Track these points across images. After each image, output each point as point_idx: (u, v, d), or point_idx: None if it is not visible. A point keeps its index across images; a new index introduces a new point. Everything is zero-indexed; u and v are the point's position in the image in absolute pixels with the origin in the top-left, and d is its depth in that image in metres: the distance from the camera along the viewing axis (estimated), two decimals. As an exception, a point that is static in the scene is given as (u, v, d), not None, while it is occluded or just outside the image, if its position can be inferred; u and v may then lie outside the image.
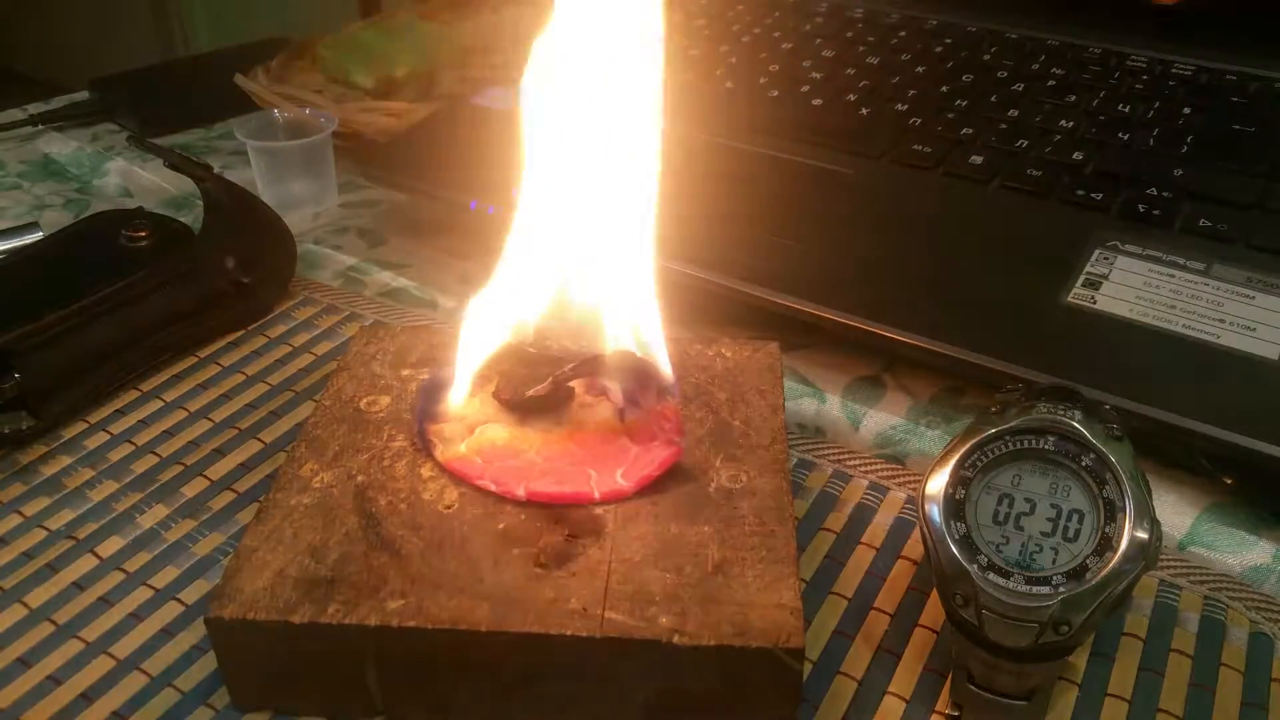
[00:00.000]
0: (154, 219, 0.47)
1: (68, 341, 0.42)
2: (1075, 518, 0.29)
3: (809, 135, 0.52)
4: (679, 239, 0.45)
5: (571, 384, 0.36)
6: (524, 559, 0.31)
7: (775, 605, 0.29)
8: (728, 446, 0.35)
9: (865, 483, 0.39)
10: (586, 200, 0.35)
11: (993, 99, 0.54)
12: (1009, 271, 0.44)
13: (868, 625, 0.34)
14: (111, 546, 0.37)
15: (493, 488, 0.33)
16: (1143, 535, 0.28)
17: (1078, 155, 0.49)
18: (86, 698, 0.32)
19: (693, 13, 0.66)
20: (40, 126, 0.68)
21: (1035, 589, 0.28)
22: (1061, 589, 0.28)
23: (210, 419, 0.43)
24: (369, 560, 0.31)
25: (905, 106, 0.54)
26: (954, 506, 0.30)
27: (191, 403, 0.43)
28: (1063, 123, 0.52)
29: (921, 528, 0.30)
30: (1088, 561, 0.28)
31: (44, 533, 0.37)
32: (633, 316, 0.35)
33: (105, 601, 0.35)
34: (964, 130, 0.51)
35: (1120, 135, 0.50)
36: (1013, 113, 0.53)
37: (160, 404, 0.43)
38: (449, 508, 0.33)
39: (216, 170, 0.50)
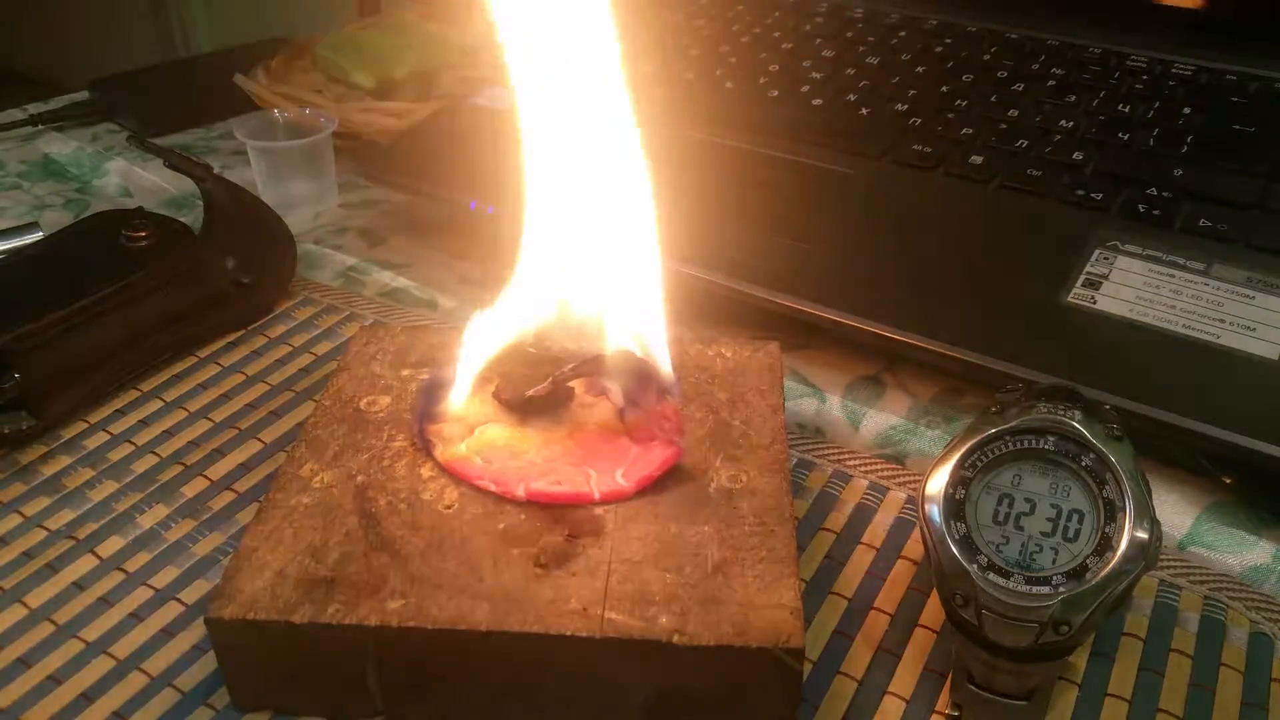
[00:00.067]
0: (154, 219, 0.47)
1: (68, 341, 0.42)
2: (1075, 518, 0.29)
3: (809, 135, 0.52)
4: (679, 239, 0.45)
5: (571, 384, 0.36)
6: (524, 559, 0.31)
7: (775, 605, 0.29)
8: (728, 446, 0.35)
9: (865, 483, 0.39)
10: (586, 200, 0.35)
11: (993, 99, 0.54)
12: (1009, 271, 0.44)
13: (868, 625, 0.34)
14: (111, 546, 0.37)
15: (493, 488, 0.33)
16: (1143, 535, 0.28)
17: (1078, 155, 0.49)
18: (86, 698, 0.32)
19: (693, 13, 0.66)
20: (40, 126, 0.68)
21: (1035, 589, 0.28)
22: (1061, 589, 0.28)
23: (210, 419, 0.43)
24: (369, 560, 0.31)
25: (905, 106, 0.54)
26: (954, 506, 0.30)
27: (191, 403, 0.43)
28: (1063, 123, 0.52)
29: (921, 528, 0.30)
30: (1088, 561, 0.28)
31: (44, 533, 0.37)
32: (635, 316, 0.35)
33: (105, 601, 0.35)
34: (964, 130, 0.51)
35: (1120, 135, 0.50)
36: (1013, 113, 0.53)
37: (160, 404, 0.43)
38: (449, 508, 0.33)
39: (216, 170, 0.50)
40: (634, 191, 0.34)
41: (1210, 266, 0.42)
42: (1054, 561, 0.29)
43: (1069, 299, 0.41)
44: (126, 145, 0.65)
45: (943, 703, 0.31)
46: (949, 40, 0.60)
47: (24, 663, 0.33)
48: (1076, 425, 0.29)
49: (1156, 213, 0.45)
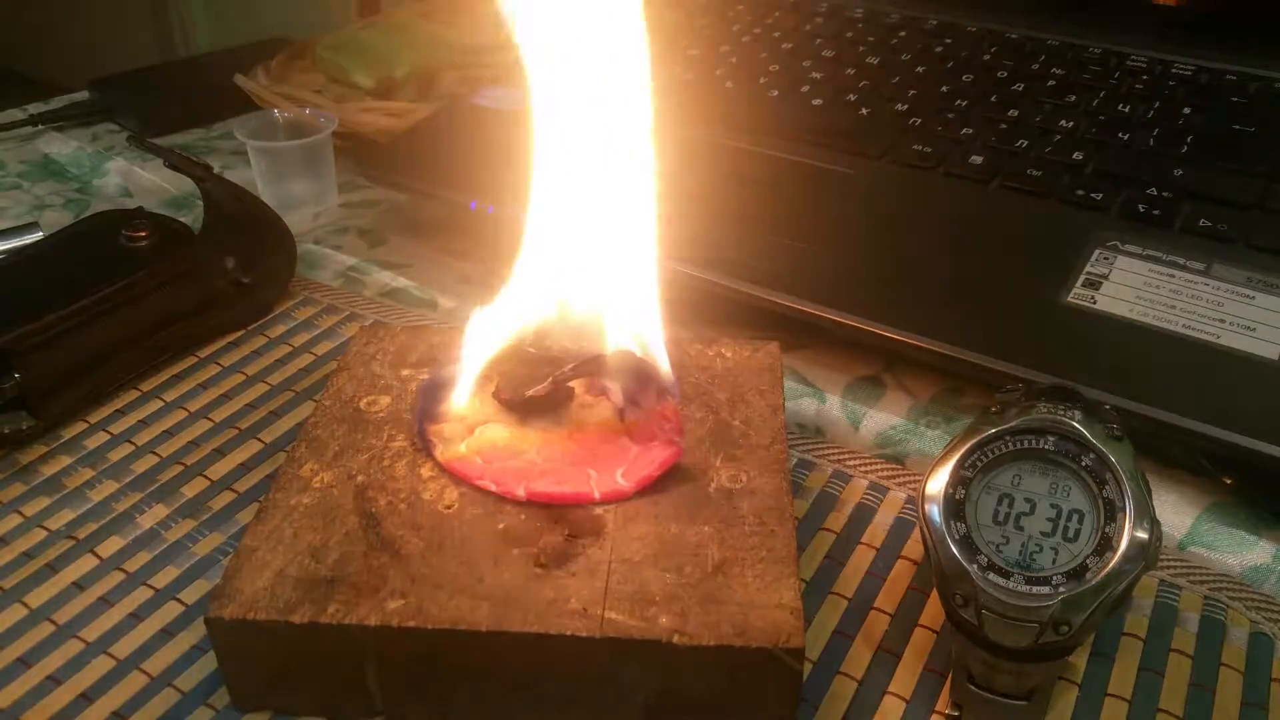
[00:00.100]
0: (154, 219, 0.47)
1: (68, 341, 0.41)
2: (1075, 518, 0.29)
3: (809, 135, 0.52)
4: (679, 239, 0.45)
5: (571, 384, 0.36)
6: (524, 559, 0.31)
7: (775, 605, 0.29)
8: (728, 446, 0.35)
9: (865, 483, 0.39)
10: (586, 200, 0.35)
11: (993, 99, 0.54)
12: (1009, 271, 0.44)
13: (868, 625, 0.34)
14: (111, 546, 0.37)
15: (493, 488, 0.33)
16: (1143, 535, 0.28)
17: (1078, 155, 0.49)
18: (86, 698, 0.32)
19: (693, 13, 0.66)
20: (40, 126, 0.68)
21: (1035, 589, 0.28)
22: (1061, 589, 0.28)
23: (210, 419, 0.43)
24: (369, 560, 0.31)
25: (905, 106, 0.54)
26: (954, 506, 0.30)
27: (191, 403, 0.43)
28: (1063, 123, 0.52)
29: (921, 528, 0.30)
30: (1088, 561, 0.28)
31: (44, 533, 0.37)
32: (634, 316, 0.35)
33: (105, 601, 0.35)
34: (964, 130, 0.51)
35: (1120, 135, 0.50)
36: (1013, 113, 0.53)
37: (160, 404, 0.43)
38: (449, 508, 0.33)
39: (216, 170, 0.50)
40: (633, 191, 0.34)
41: (1210, 266, 0.42)
42: (1054, 561, 0.29)
43: (1069, 299, 0.41)
44: (126, 145, 0.65)
45: (943, 703, 0.31)
46: (949, 40, 0.60)
47: (24, 663, 0.33)
48: (1076, 425, 0.29)
49: (1156, 213, 0.45)
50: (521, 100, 0.34)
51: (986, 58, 0.58)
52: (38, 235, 0.51)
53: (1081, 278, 0.42)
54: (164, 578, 0.35)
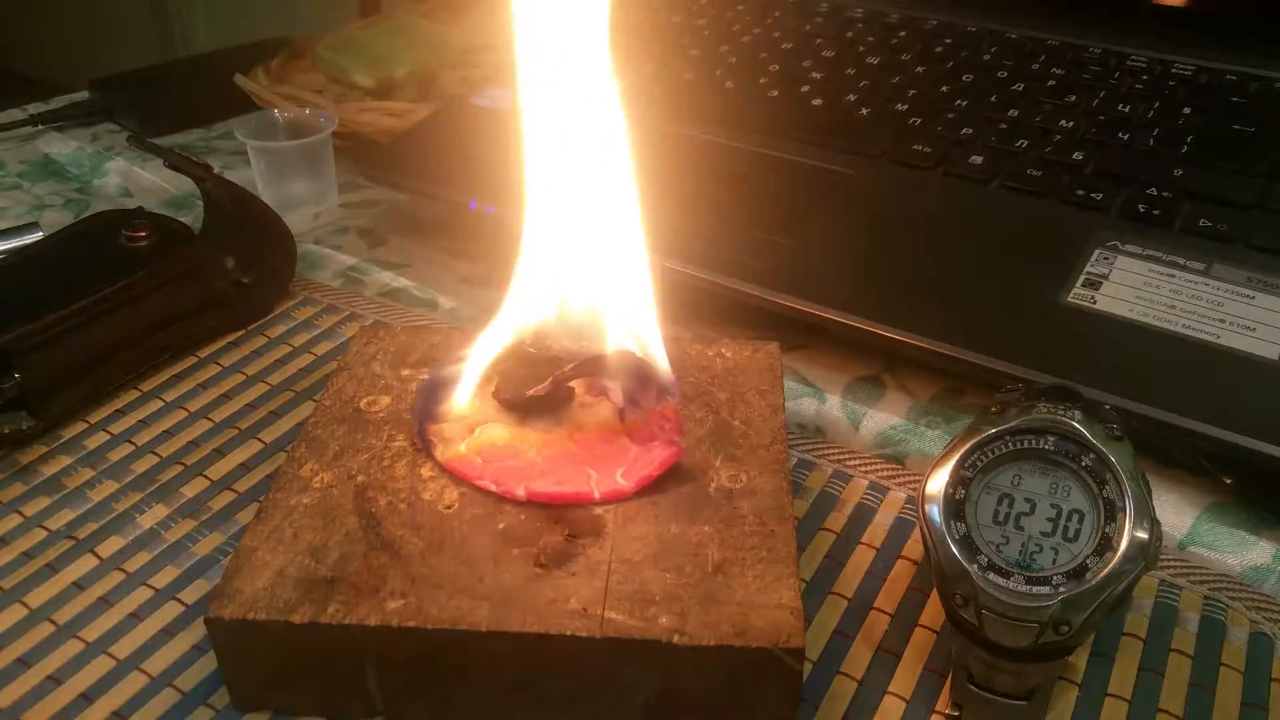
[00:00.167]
0: (154, 219, 0.47)
1: (68, 341, 0.41)
2: (1075, 518, 0.29)
3: (809, 135, 0.52)
4: (679, 239, 0.45)
5: (571, 384, 0.36)
6: (524, 559, 0.31)
7: (775, 605, 0.29)
8: (728, 446, 0.35)
9: (865, 483, 0.39)
10: (586, 200, 0.35)
11: (993, 99, 0.54)
12: (1009, 271, 0.44)
13: (868, 625, 0.34)
14: (111, 546, 0.37)
15: (493, 488, 0.33)
16: (1143, 535, 0.28)
17: (1078, 155, 0.49)
18: (86, 698, 0.32)
19: (693, 13, 0.66)
20: (40, 126, 0.68)
21: (1035, 589, 0.28)
22: (1061, 589, 0.28)
23: (210, 419, 0.43)
24: (369, 560, 0.31)
25: (905, 106, 0.54)
26: (954, 506, 0.30)
27: (191, 403, 0.43)
28: (1063, 123, 0.52)
29: (921, 528, 0.30)
30: (1088, 561, 0.28)
31: (44, 533, 0.37)
32: (631, 317, 0.35)
33: (105, 601, 0.35)
34: (964, 130, 0.51)
35: (1120, 135, 0.50)
36: (1013, 113, 0.53)
37: (160, 404, 0.43)
38: (449, 508, 0.33)
39: (216, 170, 0.50)
40: (632, 191, 0.34)
41: (1210, 266, 0.42)
42: (1054, 561, 0.29)
43: (1069, 299, 0.41)
44: (126, 145, 0.65)
45: (943, 703, 0.31)
46: (949, 40, 0.60)
47: (24, 663, 0.33)
48: (1076, 425, 0.29)
49: (1156, 213, 0.45)
50: (521, 100, 0.34)
51: (986, 58, 0.58)
52: (38, 235, 0.51)
53: (1081, 278, 0.42)
54: (164, 578, 0.35)
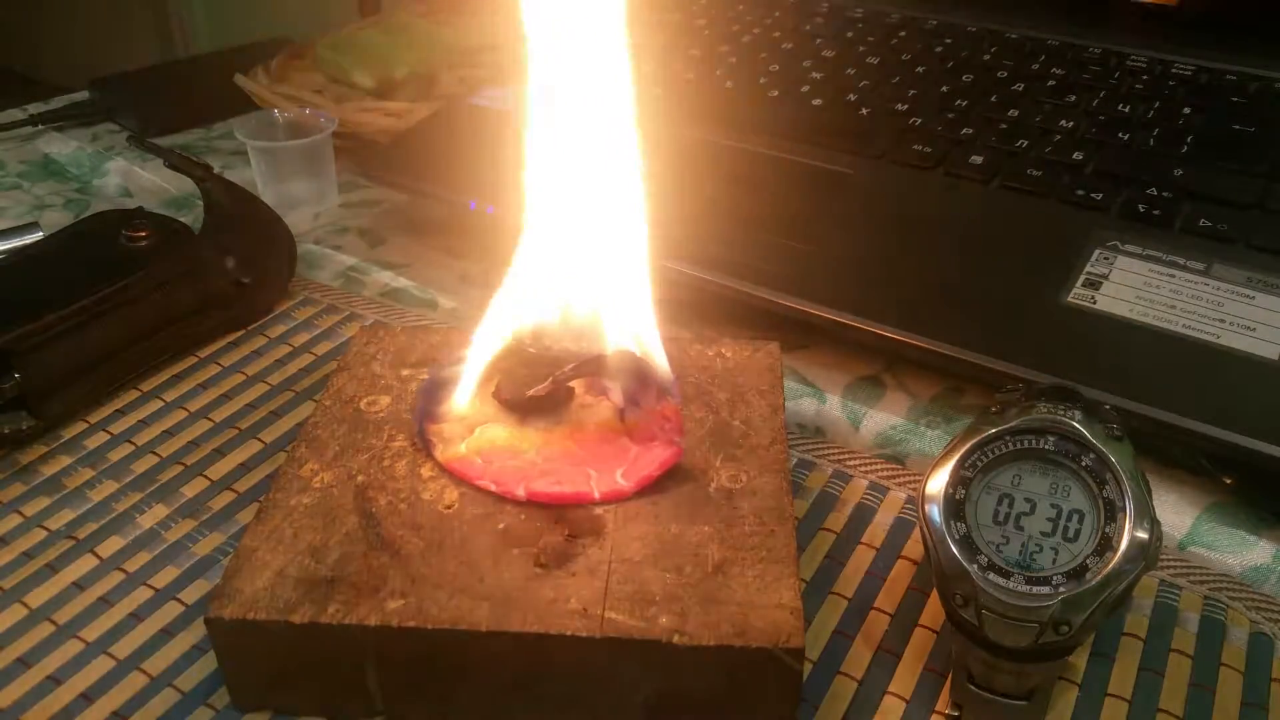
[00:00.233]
0: (154, 219, 0.47)
1: (68, 341, 0.41)
2: (1075, 518, 0.29)
3: (809, 135, 0.52)
4: (679, 239, 0.45)
5: (571, 384, 0.36)
6: (524, 559, 0.31)
7: (775, 605, 0.29)
8: (728, 446, 0.35)
9: (865, 483, 0.39)
10: (586, 200, 0.35)
11: (993, 99, 0.54)
12: (1009, 271, 0.44)
13: (868, 625, 0.34)
14: (111, 546, 0.37)
15: (493, 488, 0.33)
16: (1143, 535, 0.28)
17: (1078, 155, 0.49)
18: (86, 698, 0.32)
19: (693, 13, 0.66)
20: (40, 126, 0.68)
21: (1035, 589, 0.28)
22: (1061, 589, 0.28)
23: (210, 419, 0.43)
24: (369, 560, 0.31)
25: (905, 106, 0.54)
26: (954, 506, 0.30)
27: (191, 403, 0.43)
28: (1063, 123, 0.52)
29: (921, 528, 0.30)
30: (1088, 561, 0.28)
31: (44, 533, 0.37)
32: (630, 317, 0.35)
33: (105, 601, 0.35)
34: (964, 130, 0.51)
35: (1120, 135, 0.50)
36: (1013, 113, 0.53)
37: (160, 404, 0.43)
38: (449, 508, 0.33)
39: (216, 170, 0.50)
40: (632, 191, 0.34)
41: (1210, 266, 0.42)
42: (1054, 561, 0.29)
43: (1069, 299, 0.41)
44: (126, 145, 0.65)
45: (943, 703, 0.31)
46: (949, 40, 0.60)
47: (24, 663, 0.33)
48: (1076, 425, 0.29)
49: (1156, 213, 0.45)
50: (521, 100, 0.34)
51: (986, 58, 0.58)
52: (38, 235, 0.51)
53: (1081, 278, 0.42)
54: (164, 578, 0.35)
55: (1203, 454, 0.38)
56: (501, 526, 0.32)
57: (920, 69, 0.58)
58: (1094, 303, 0.41)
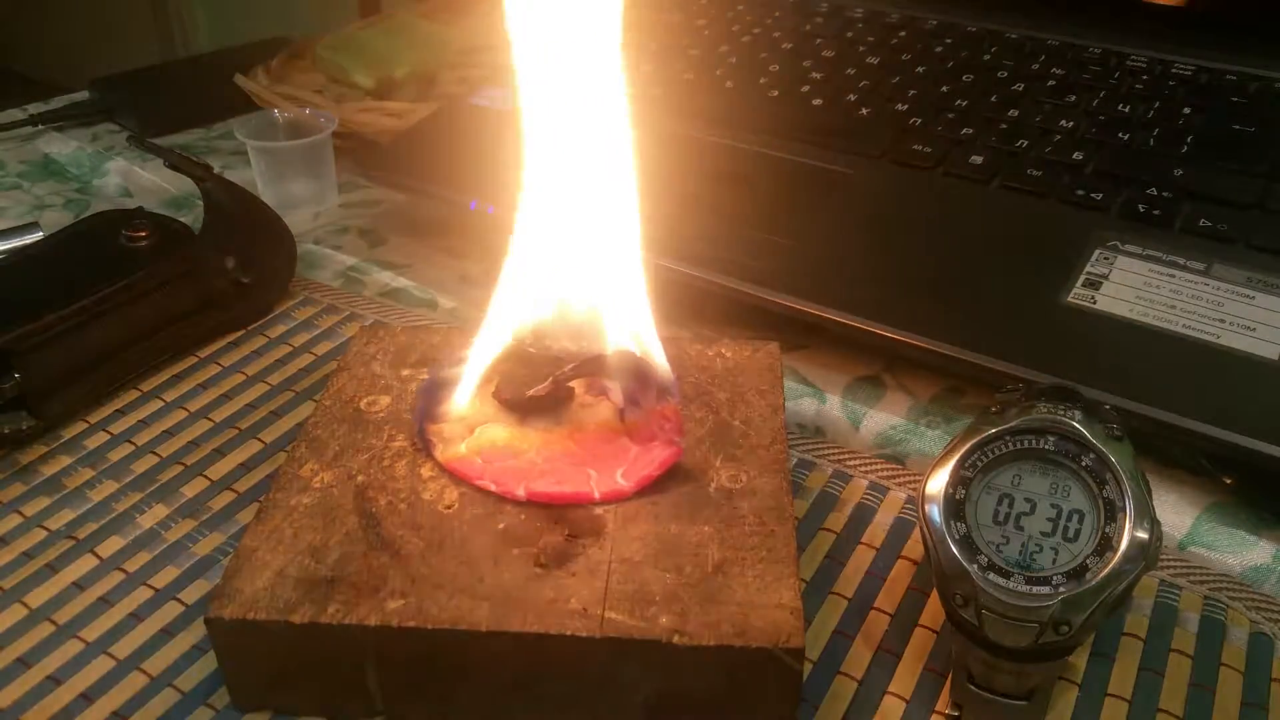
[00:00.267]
0: (154, 219, 0.47)
1: (68, 341, 0.42)
2: (1075, 518, 0.29)
3: (809, 135, 0.52)
4: (679, 239, 0.45)
5: (571, 384, 0.36)
6: (524, 559, 0.31)
7: (775, 605, 0.29)
8: (728, 446, 0.35)
9: (865, 483, 0.39)
10: (585, 200, 0.35)
11: (993, 99, 0.54)
12: (1009, 271, 0.44)
13: (868, 625, 0.34)
14: (111, 546, 0.37)
15: (493, 488, 0.33)
16: (1143, 535, 0.28)
17: (1078, 155, 0.49)
18: (86, 698, 0.32)
19: (693, 13, 0.66)
20: (40, 126, 0.68)
21: (1035, 589, 0.28)
22: (1061, 589, 0.28)
23: (210, 419, 0.43)
24: (369, 560, 0.31)
25: (905, 106, 0.54)
26: (954, 506, 0.30)
27: (191, 403, 0.43)
28: (1063, 123, 0.52)
29: (921, 528, 0.30)
30: (1088, 561, 0.28)
31: (44, 533, 0.37)
32: (630, 317, 0.35)
33: (105, 601, 0.35)
34: (964, 130, 0.51)
35: (1120, 135, 0.50)
36: (1013, 113, 0.53)
37: (160, 404, 0.43)
38: (449, 508, 0.33)
39: (216, 170, 0.50)
40: (632, 191, 0.34)
41: (1210, 266, 0.42)
42: (1054, 561, 0.29)
43: (1069, 299, 0.41)
44: (126, 145, 0.65)
45: (943, 703, 0.31)
46: (949, 40, 0.60)
47: (24, 663, 0.33)
48: (1076, 425, 0.29)
49: (1156, 213, 0.45)
50: (521, 100, 0.34)
51: (986, 58, 0.58)
52: (38, 235, 0.51)
53: (1081, 278, 0.42)
54: (164, 578, 0.35)
55: (1203, 454, 0.38)
56: (501, 526, 0.32)
57: (920, 69, 0.58)
58: (1094, 303, 0.41)
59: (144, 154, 0.63)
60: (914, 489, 0.39)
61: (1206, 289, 0.41)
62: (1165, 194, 0.46)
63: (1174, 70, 0.55)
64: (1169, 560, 0.36)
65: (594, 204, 0.34)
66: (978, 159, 0.49)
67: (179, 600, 0.35)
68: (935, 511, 0.30)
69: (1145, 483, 0.29)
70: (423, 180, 0.53)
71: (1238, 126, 0.51)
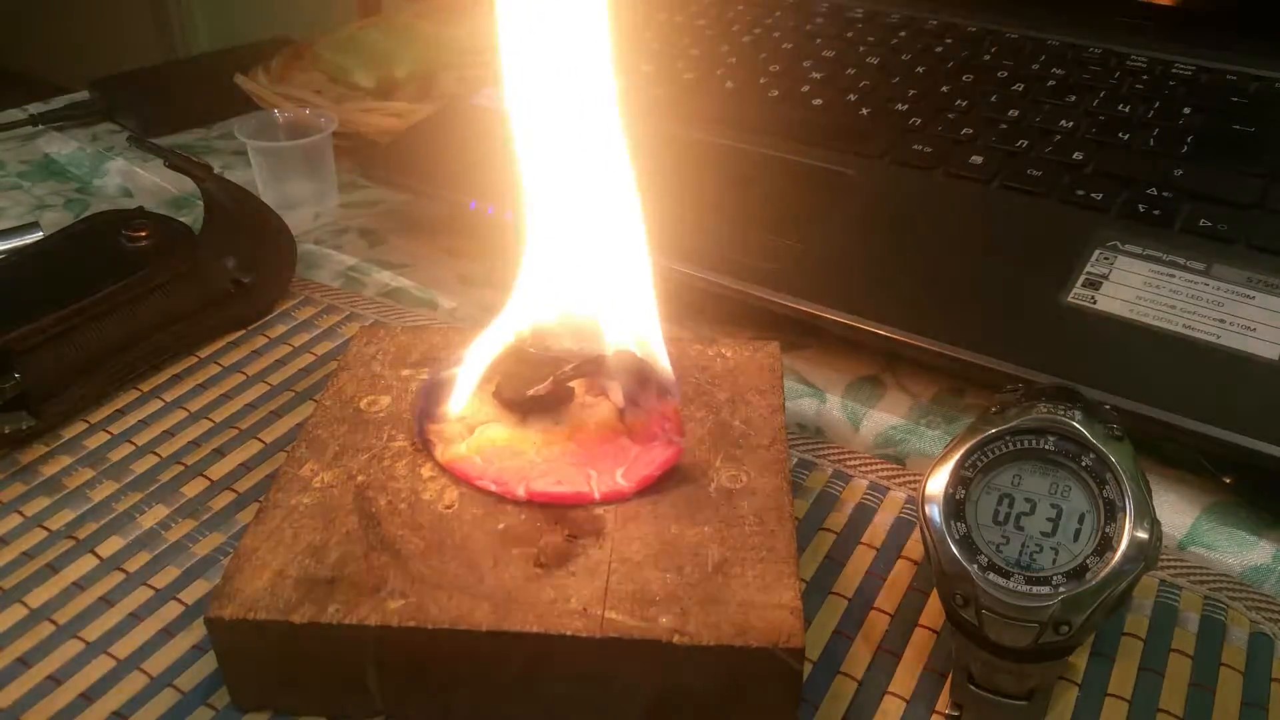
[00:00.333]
0: (154, 219, 0.47)
1: (68, 341, 0.42)
2: (1075, 518, 0.29)
3: (809, 135, 0.52)
4: (680, 239, 0.45)
5: (572, 384, 0.36)
6: (524, 559, 0.31)
7: (775, 605, 0.29)
8: (728, 446, 0.35)
9: (865, 483, 0.39)
10: (586, 200, 0.35)
11: (993, 99, 0.54)
12: (1009, 271, 0.44)
13: (868, 625, 0.34)
14: (111, 546, 0.37)
15: (493, 488, 0.33)
16: (1143, 535, 0.28)
17: (1078, 155, 0.49)
18: (86, 698, 0.32)
19: (693, 13, 0.66)
20: (40, 126, 0.68)
21: (1035, 589, 0.28)
22: (1061, 589, 0.28)
23: (210, 419, 0.43)
24: (369, 560, 0.31)
25: (905, 106, 0.54)
26: (954, 506, 0.30)
27: (191, 403, 0.43)
28: (1063, 123, 0.52)
29: (921, 528, 0.30)
30: (1088, 561, 0.28)
31: (44, 533, 0.37)
32: (630, 317, 0.35)
33: (105, 601, 0.35)
34: (964, 130, 0.51)
35: (1120, 135, 0.50)
36: (1013, 113, 0.53)
37: (160, 404, 0.43)
38: (449, 508, 0.33)
39: (216, 170, 0.50)
40: (633, 191, 0.34)
41: (1210, 266, 0.42)
42: (1054, 561, 0.29)
43: (1069, 299, 0.41)
44: (126, 145, 0.65)
45: (943, 703, 0.31)
46: (949, 40, 0.60)
47: (24, 663, 0.33)
48: (1076, 425, 0.29)
49: (1156, 213, 0.45)
50: (520, 100, 0.34)
51: (986, 58, 0.58)
52: (38, 235, 0.51)
53: (1081, 278, 0.42)
54: (164, 578, 0.35)
55: (1203, 454, 0.38)
56: (501, 526, 0.32)
57: (920, 69, 0.58)
58: (1094, 303, 0.41)
59: (144, 154, 0.63)
60: (914, 489, 0.39)
61: (1206, 289, 0.41)
62: (1165, 194, 0.46)
63: (1174, 70, 0.55)
64: (1169, 560, 0.36)
65: (595, 204, 0.34)
66: (978, 159, 0.49)
67: (179, 600, 0.35)
68: (935, 511, 0.30)
69: (1145, 483, 0.29)
70: (423, 180, 0.53)
71: (1238, 126, 0.50)
